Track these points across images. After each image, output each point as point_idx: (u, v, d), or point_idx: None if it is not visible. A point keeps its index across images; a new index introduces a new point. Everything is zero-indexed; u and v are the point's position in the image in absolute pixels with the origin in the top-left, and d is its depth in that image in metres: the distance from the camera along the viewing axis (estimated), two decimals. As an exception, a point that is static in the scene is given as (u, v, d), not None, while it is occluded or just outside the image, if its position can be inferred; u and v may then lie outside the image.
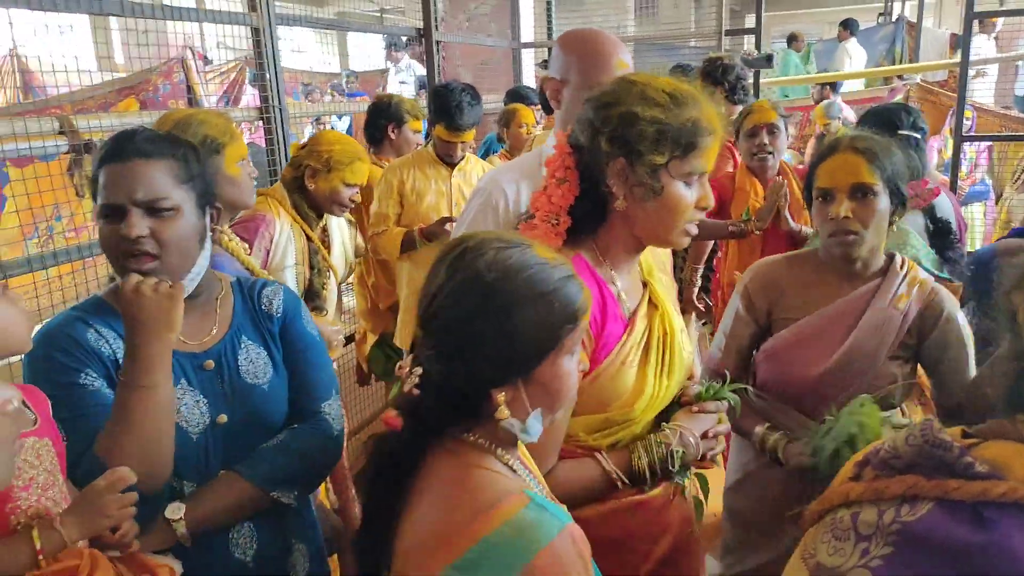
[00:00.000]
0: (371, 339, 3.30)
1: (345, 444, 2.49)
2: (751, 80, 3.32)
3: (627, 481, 1.23)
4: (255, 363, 1.34)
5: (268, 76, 2.85)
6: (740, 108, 3.27)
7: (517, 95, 4.23)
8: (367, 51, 9.78)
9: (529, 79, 5.10)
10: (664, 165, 1.19)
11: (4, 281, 1.11)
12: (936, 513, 0.77)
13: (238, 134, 1.85)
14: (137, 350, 1.15)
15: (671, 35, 5.87)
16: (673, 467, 1.23)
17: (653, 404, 1.28)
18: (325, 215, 2.41)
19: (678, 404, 1.35)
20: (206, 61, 7.70)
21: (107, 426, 1.15)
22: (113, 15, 2.31)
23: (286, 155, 2.86)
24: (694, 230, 1.27)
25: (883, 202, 1.56)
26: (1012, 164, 4.87)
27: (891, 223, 1.61)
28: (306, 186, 2.30)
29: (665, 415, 1.33)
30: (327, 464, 1.40)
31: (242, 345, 1.33)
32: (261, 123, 2.93)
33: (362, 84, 9.41)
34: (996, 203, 5.31)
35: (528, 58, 5.14)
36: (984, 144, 5.63)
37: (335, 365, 2.46)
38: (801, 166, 3.17)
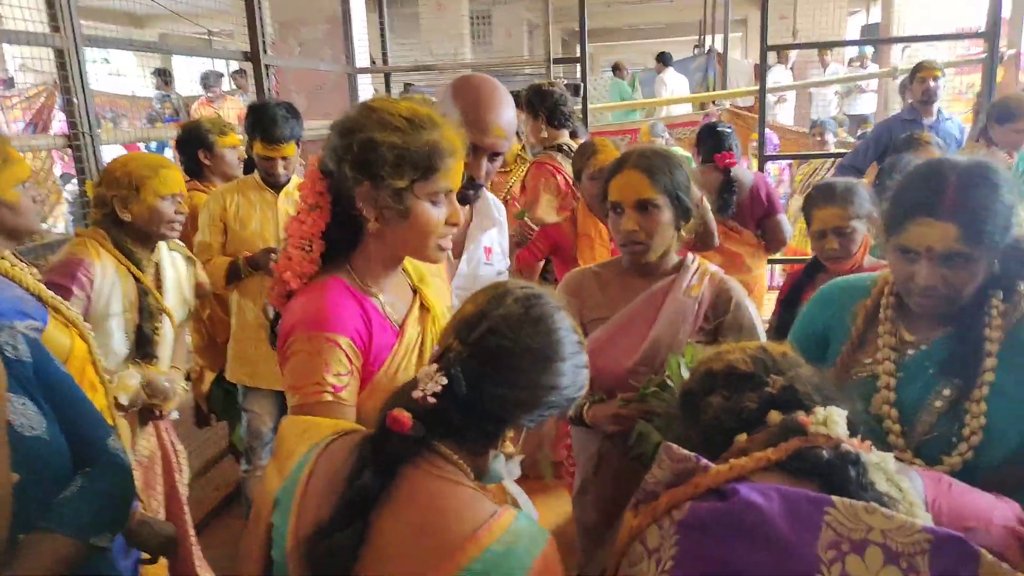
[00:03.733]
0: (209, 376, 3.12)
1: (186, 486, 2.36)
2: (571, 105, 3.44)
3: None
4: (24, 415, 1.24)
5: (76, 101, 2.65)
6: (564, 131, 3.41)
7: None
8: (194, 76, 9.31)
9: (366, 104, 5.07)
10: (408, 188, 1.24)
11: None
12: (694, 504, 0.97)
13: (15, 157, 1.72)
14: None
15: (505, 63, 6.07)
16: None
17: None
18: (157, 249, 2.22)
19: None
20: (7, 85, 7.02)
21: None
22: None
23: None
24: (448, 244, 1.34)
25: (666, 214, 1.71)
26: (799, 179, 5.45)
27: (678, 227, 1.76)
28: (123, 220, 2.09)
29: None
30: (130, 498, 1.38)
31: (5, 399, 1.22)
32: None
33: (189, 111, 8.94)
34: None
35: (365, 82, 5.11)
36: (787, 162, 6.26)
37: (175, 409, 2.30)
38: None
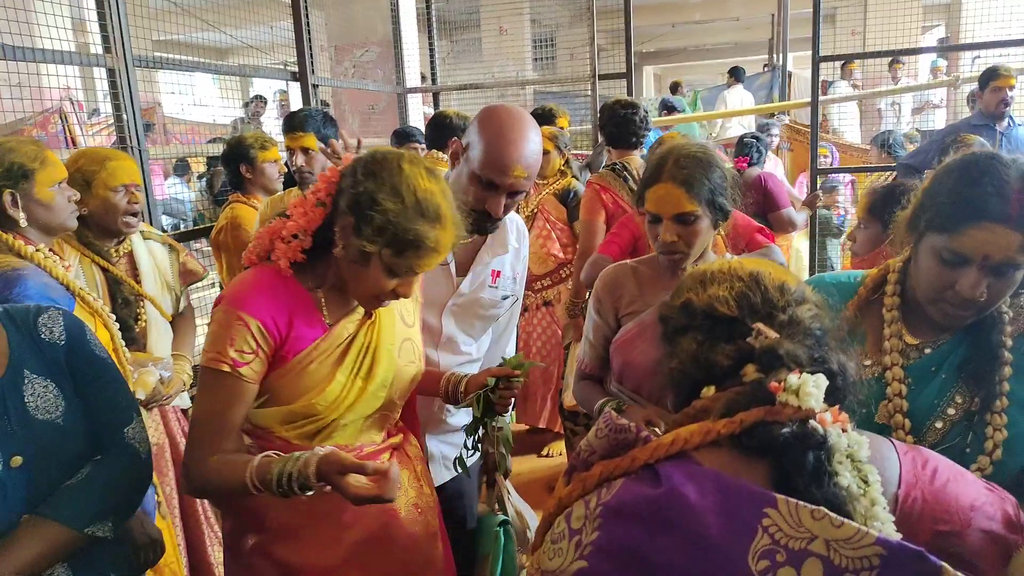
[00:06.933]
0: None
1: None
2: (634, 126, 3.34)
3: (260, 488, 1.26)
4: (43, 397, 1.28)
5: (125, 116, 2.82)
6: (626, 151, 3.35)
7: (403, 134, 4.32)
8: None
9: (417, 121, 5.21)
10: (375, 253, 1.27)
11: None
12: (625, 485, 0.87)
13: (52, 160, 1.86)
14: None
15: (550, 80, 6.13)
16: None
17: (344, 402, 1.38)
18: (128, 240, 2.28)
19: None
20: (93, 113, 7.51)
21: None
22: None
23: (148, 197, 2.82)
24: (387, 305, 1.39)
25: (704, 223, 1.66)
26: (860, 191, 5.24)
27: (716, 227, 1.71)
28: (82, 214, 2.14)
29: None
30: (139, 490, 1.38)
31: (26, 380, 1.27)
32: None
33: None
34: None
35: (415, 102, 5.25)
36: (848, 178, 6.05)
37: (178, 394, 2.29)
38: None
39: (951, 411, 1.24)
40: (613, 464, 0.89)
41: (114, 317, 1.99)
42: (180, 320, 2.45)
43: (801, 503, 0.78)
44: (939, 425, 1.24)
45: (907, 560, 0.74)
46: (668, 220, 1.65)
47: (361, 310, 1.43)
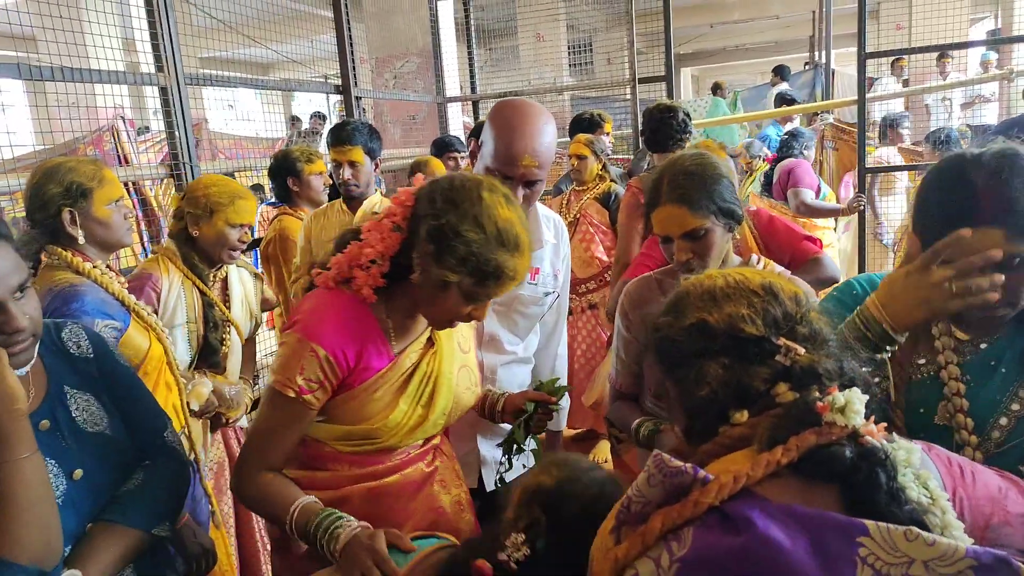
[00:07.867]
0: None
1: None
2: (671, 130, 3.32)
3: (294, 531, 1.32)
4: (87, 411, 1.31)
5: (178, 134, 2.90)
6: (665, 155, 3.33)
7: (442, 143, 4.37)
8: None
9: (456, 131, 5.24)
10: (457, 282, 1.28)
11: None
12: (698, 535, 0.79)
13: (109, 178, 1.92)
14: None
15: (588, 86, 6.10)
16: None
17: (404, 427, 1.41)
18: (224, 267, 2.35)
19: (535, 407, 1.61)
20: (143, 130, 7.74)
21: None
22: (8, 77, 2.34)
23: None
24: (456, 324, 1.41)
25: (716, 233, 1.63)
26: (911, 193, 5.10)
27: (731, 230, 1.68)
28: (192, 236, 2.23)
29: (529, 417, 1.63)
30: (185, 490, 1.45)
31: (68, 396, 1.30)
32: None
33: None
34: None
35: (455, 111, 5.29)
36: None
37: (242, 416, 2.38)
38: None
39: (1015, 406, 1.21)
40: (675, 512, 0.81)
41: (164, 331, 2.04)
42: (247, 346, 2.50)
43: (891, 526, 0.74)
44: (1004, 422, 1.21)
45: (997, 567, 0.71)
46: (678, 239, 1.63)
47: (423, 338, 1.46)
